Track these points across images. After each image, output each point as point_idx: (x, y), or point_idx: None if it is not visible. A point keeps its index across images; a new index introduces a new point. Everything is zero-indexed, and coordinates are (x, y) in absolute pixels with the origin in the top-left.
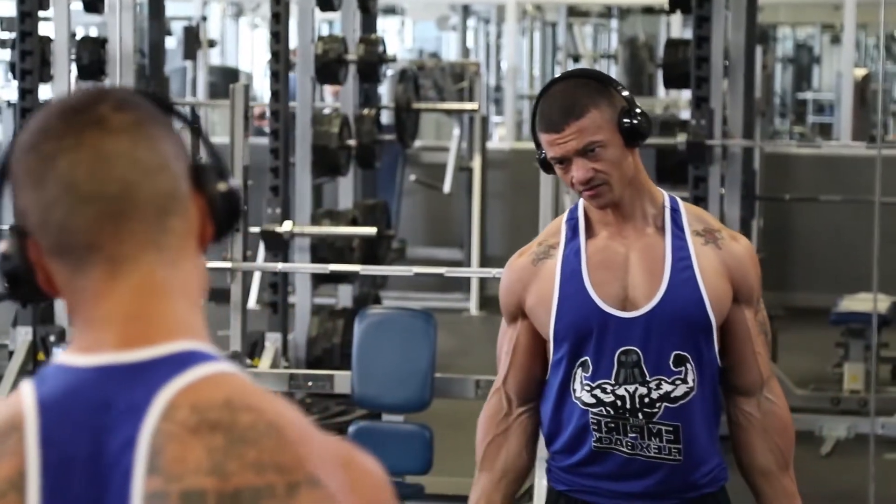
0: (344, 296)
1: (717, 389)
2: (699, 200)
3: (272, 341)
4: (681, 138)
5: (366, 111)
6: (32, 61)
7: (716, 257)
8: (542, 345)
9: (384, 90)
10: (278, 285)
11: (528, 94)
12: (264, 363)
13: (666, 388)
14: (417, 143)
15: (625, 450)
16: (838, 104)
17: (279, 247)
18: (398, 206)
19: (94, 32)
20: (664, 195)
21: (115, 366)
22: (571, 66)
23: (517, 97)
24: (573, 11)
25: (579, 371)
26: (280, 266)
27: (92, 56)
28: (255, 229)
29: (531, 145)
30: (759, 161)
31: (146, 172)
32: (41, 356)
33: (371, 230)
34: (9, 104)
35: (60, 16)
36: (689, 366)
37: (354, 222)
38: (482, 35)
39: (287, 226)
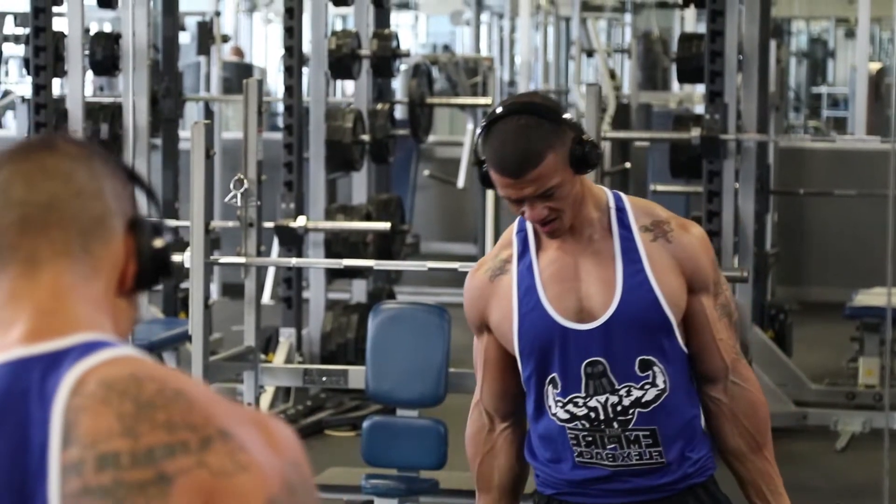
0: (358, 291)
1: (690, 380)
2: (713, 195)
3: (286, 336)
4: (695, 133)
5: (379, 106)
6: (46, 57)
7: (666, 252)
8: (512, 358)
9: (398, 85)
10: (292, 280)
11: (542, 89)
12: (278, 358)
13: (636, 393)
14: (431, 138)
15: (606, 463)
16: (853, 98)
17: (293, 242)
18: (412, 200)
19: (107, 28)
20: (608, 195)
21: (27, 358)
22: (585, 60)
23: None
24: (587, 6)
25: (550, 388)
26: (294, 261)
27: (105, 51)
28: (269, 224)
29: None
30: (773, 155)
31: (77, 193)
32: None
33: (385, 225)
34: (23, 99)
35: (74, 11)
36: (656, 368)
37: (368, 217)
38: (496, 30)
39: (301, 221)
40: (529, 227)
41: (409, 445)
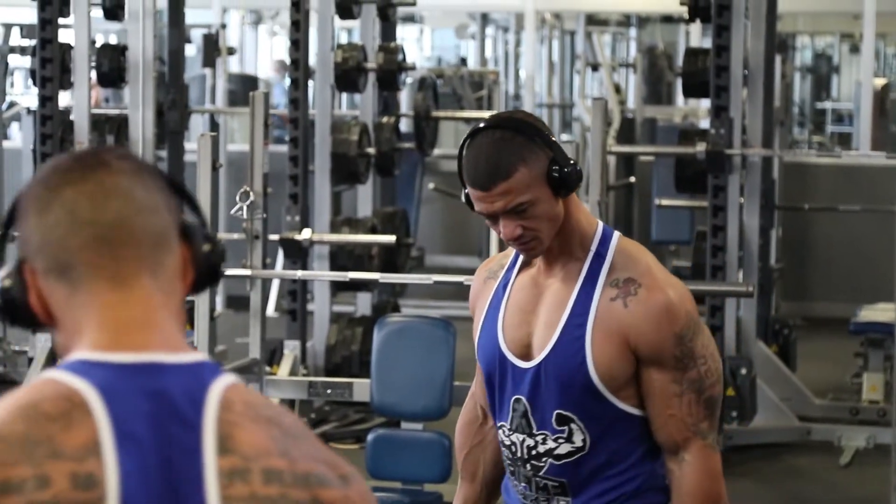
0: (363, 303)
1: (635, 443)
2: (718, 210)
3: (291, 349)
4: (700, 147)
5: (385, 119)
6: (52, 68)
7: (617, 317)
8: None
9: (403, 98)
10: (297, 293)
11: (546, 103)
12: (283, 371)
13: (550, 444)
14: (436, 151)
15: (521, 496)
16: (857, 114)
17: (298, 254)
18: (417, 213)
19: (113, 40)
20: (597, 235)
21: (160, 364)
22: (590, 74)
23: (536, 105)
24: (592, 20)
25: (495, 404)
26: (299, 273)
27: (112, 63)
28: (274, 237)
29: None
30: (778, 170)
31: (140, 210)
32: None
33: (390, 238)
34: (29, 111)
35: (80, 23)
36: (574, 426)
37: (373, 230)
38: (501, 43)
39: (306, 233)
40: None
41: (414, 458)
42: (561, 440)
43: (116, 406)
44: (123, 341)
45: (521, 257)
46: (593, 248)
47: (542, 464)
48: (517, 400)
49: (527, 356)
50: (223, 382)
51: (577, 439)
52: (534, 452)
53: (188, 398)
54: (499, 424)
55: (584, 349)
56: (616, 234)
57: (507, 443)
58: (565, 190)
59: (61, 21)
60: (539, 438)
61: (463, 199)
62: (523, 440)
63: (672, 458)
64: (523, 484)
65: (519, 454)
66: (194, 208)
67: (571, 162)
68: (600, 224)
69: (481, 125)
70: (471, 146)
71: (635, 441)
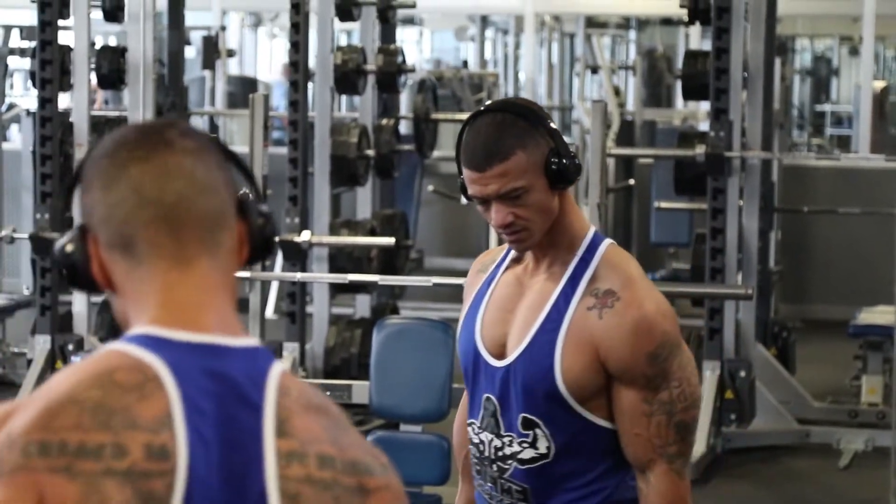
0: (362, 306)
1: (603, 456)
2: (717, 212)
3: (290, 351)
4: (699, 150)
5: (384, 121)
6: (52, 70)
7: (590, 328)
8: None
9: (403, 100)
10: (296, 295)
11: (546, 105)
12: None
13: (516, 447)
14: (436, 154)
15: (486, 497)
16: (857, 116)
17: (297, 256)
18: (416, 216)
19: (113, 42)
20: (587, 239)
21: (221, 346)
22: (589, 77)
23: None
24: (591, 22)
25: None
26: (298, 276)
27: (111, 65)
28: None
29: None
30: (777, 173)
31: (201, 190)
32: (59, 365)
33: (389, 240)
34: (28, 113)
35: (80, 25)
36: (538, 431)
37: (373, 232)
38: (500, 46)
39: (305, 235)
40: None
41: (413, 461)
42: (525, 445)
43: (185, 382)
44: (183, 321)
45: (510, 254)
46: (580, 252)
47: (507, 466)
48: (488, 399)
49: (501, 355)
50: (279, 368)
51: (542, 446)
52: (500, 454)
53: (250, 381)
54: (469, 421)
55: (553, 355)
56: (606, 242)
57: (476, 441)
58: (562, 183)
59: (61, 23)
60: (506, 440)
61: (460, 187)
62: (491, 440)
63: (641, 477)
64: (489, 484)
65: (486, 454)
66: (250, 180)
67: (572, 155)
68: (593, 229)
69: (483, 107)
70: (471, 127)
71: (603, 454)
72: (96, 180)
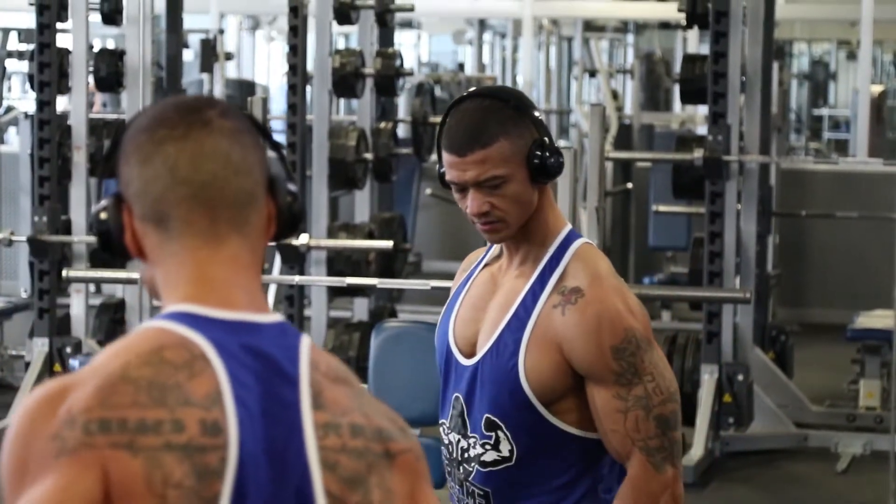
0: (360, 309)
1: (567, 462)
2: (715, 216)
3: None
4: (697, 154)
5: (382, 125)
6: (50, 73)
7: (554, 326)
8: None
9: (401, 103)
10: (294, 298)
11: (543, 109)
12: None
13: (479, 449)
14: (434, 157)
15: (456, 500)
16: (854, 120)
17: (296, 259)
18: (414, 219)
19: (111, 45)
20: (559, 237)
21: (255, 323)
22: (587, 81)
23: None
24: (589, 26)
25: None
26: (296, 279)
27: (109, 68)
28: (271, 242)
29: None
30: (775, 177)
31: (235, 171)
32: (57, 367)
33: (387, 243)
34: (26, 115)
35: (78, 28)
36: (500, 433)
37: (371, 235)
38: (498, 49)
39: (303, 239)
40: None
41: None
42: (488, 447)
43: (229, 360)
44: (216, 299)
45: (490, 252)
46: (551, 250)
47: (471, 468)
48: (456, 398)
49: (471, 354)
50: (307, 343)
51: (504, 449)
52: (465, 455)
53: (286, 356)
54: (441, 421)
55: (517, 354)
56: (579, 241)
57: (445, 441)
58: (543, 177)
59: (59, 26)
60: (471, 441)
61: (438, 176)
62: (458, 440)
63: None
64: (457, 486)
65: (454, 454)
66: (282, 159)
67: (556, 149)
68: (568, 227)
69: (470, 91)
70: (456, 110)
71: (569, 461)
72: (133, 155)
